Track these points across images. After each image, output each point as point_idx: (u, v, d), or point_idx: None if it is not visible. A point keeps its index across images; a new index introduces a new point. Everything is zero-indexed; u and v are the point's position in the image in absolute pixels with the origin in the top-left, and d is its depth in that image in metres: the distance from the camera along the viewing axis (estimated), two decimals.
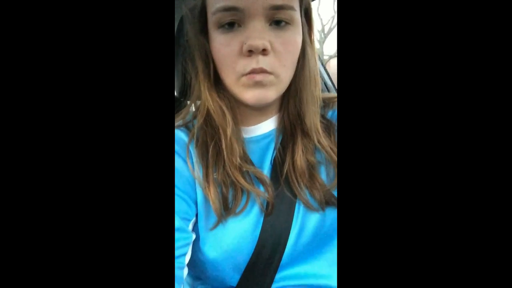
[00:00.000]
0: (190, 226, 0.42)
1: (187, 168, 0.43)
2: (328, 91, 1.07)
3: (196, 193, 0.43)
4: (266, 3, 0.36)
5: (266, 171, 0.45)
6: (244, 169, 0.42)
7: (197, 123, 0.44)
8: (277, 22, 0.38)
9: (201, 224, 0.43)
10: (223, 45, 0.39)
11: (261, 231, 0.42)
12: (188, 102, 0.48)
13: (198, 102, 0.46)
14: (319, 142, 0.43)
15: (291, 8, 0.38)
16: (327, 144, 0.44)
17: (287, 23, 0.38)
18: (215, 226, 0.41)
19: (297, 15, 0.39)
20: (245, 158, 0.43)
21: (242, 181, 0.41)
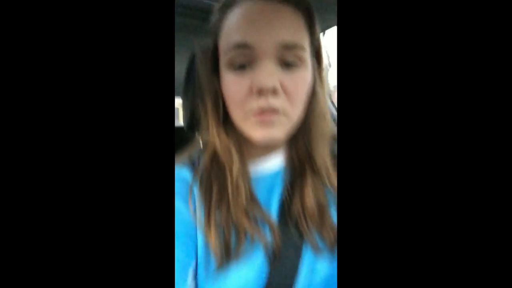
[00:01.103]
0: (190, 273, 0.39)
1: (188, 210, 0.41)
2: (335, 121, 1.06)
3: (196, 237, 0.41)
4: (278, 40, 0.36)
5: (273, 210, 0.43)
6: (250, 211, 0.40)
7: (203, 161, 0.43)
8: (287, 64, 0.38)
9: (201, 271, 0.40)
10: (233, 84, 0.38)
11: (266, 278, 0.39)
12: (196, 136, 0.48)
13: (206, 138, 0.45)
14: (329, 181, 0.42)
15: (302, 48, 0.38)
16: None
17: (297, 64, 0.38)
18: (217, 272, 0.39)
19: (307, 55, 0.39)
20: (251, 198, 0.42)
21: (246, 223, 0.39)
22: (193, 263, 0.40)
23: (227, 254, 0.39)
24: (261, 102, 0.37)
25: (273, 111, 0.37)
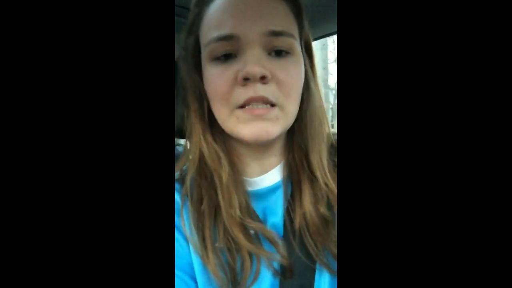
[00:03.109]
0: None
1: (182, 236, 0.37)
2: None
3: (193, 267, 0.36)
4: (264, 28, 0.33)
5: (278, 230, 0.37)
6: (246, 225, 0.35)
7: (189, 172, 0.38)
8: (277, 52, 0.34)
9: None
10: (215, 77, 0.34)
11: None
12: (183, 147, 0.43)
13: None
14: (326, 184, 0.36)
15: (291, 35, 0.34)
16: (335, 187, 0.36)
17: (287, 52, 0.34)
18: None
19: (297, 45, 0.35)
20: (248, 211, 0.36)
21: (243, 240, 0.34)
22: None
23: (234, 283, 0.34)
24: (248, 92, 0.32)
25: (265, 100, 0.33)
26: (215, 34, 0.33)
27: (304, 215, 0.36)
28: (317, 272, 0.36)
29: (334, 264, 0.35)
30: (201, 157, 0.37)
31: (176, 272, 0.35)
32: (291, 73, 0.34)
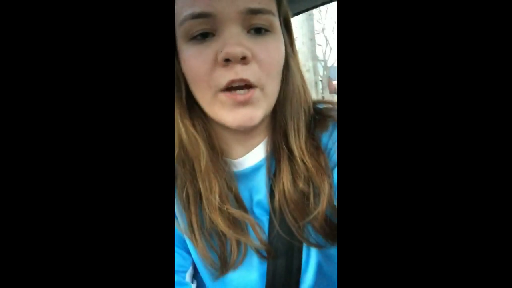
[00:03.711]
0: (188, 277, 0.38)
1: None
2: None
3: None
4: (242, 6, 0.31)
5: (263, 208, 0.39)
6: (226, 210, 0.36)
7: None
8: (256, 30, 0.33)
9: (203, 274, 0.38)
10: (193, 58, 0.33)
11: (266, 279, 0.37)
12: None
13: None
14: (303, 162, 0.36)
15: (270, 12, 0.33)
16: (313, 165, 0.36)
17: (267, 30, 0.33)
18: (217, 278, 0.37)
19: (276, 22, 0.34)
20: (232, 195, 0.37)
21: (222, 226, 0.35)
22: (189, 266, 0.39)
23: (224, 264, 0.36)
24: (229, 74, 0.32)
25: (246, 82, 0.32)
26: (188, 11, 0.32)
27: (283, 192, 0.36)
28: (304, 251, 0.37)
29: (318, 238, 0.36)
30: (180, 143, 0.37)
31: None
32: (272, 51, 0.34)
